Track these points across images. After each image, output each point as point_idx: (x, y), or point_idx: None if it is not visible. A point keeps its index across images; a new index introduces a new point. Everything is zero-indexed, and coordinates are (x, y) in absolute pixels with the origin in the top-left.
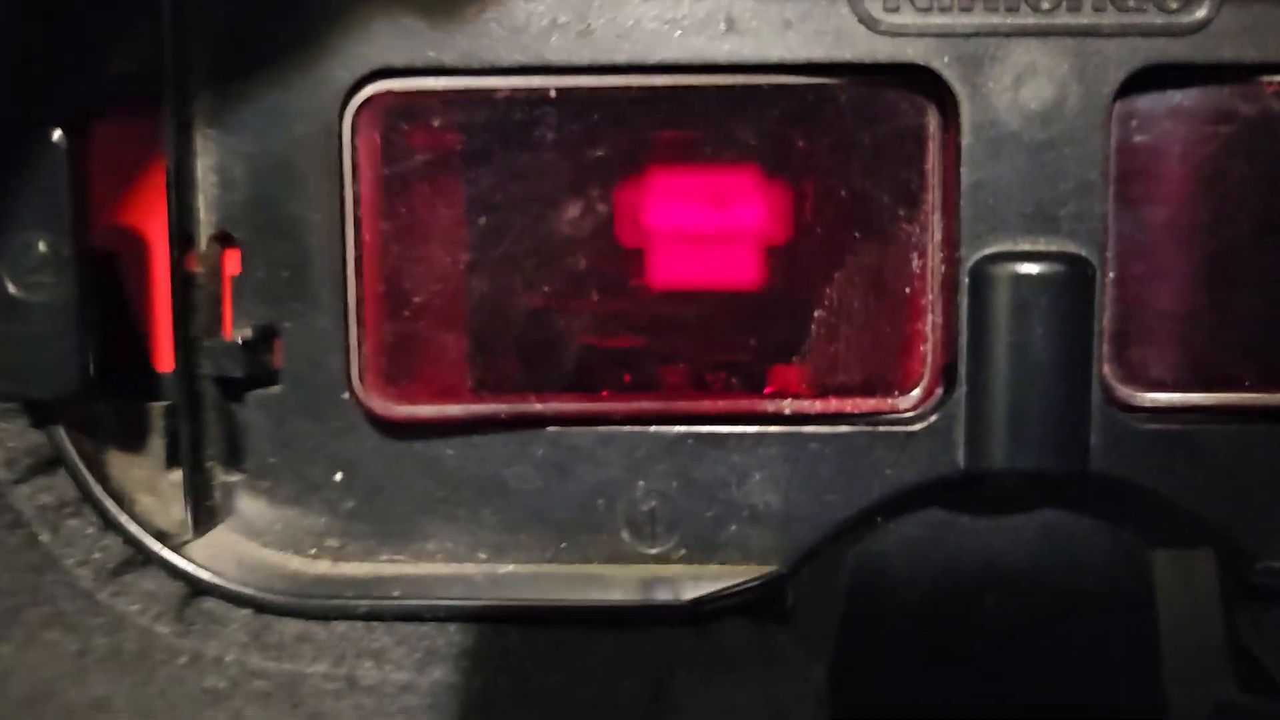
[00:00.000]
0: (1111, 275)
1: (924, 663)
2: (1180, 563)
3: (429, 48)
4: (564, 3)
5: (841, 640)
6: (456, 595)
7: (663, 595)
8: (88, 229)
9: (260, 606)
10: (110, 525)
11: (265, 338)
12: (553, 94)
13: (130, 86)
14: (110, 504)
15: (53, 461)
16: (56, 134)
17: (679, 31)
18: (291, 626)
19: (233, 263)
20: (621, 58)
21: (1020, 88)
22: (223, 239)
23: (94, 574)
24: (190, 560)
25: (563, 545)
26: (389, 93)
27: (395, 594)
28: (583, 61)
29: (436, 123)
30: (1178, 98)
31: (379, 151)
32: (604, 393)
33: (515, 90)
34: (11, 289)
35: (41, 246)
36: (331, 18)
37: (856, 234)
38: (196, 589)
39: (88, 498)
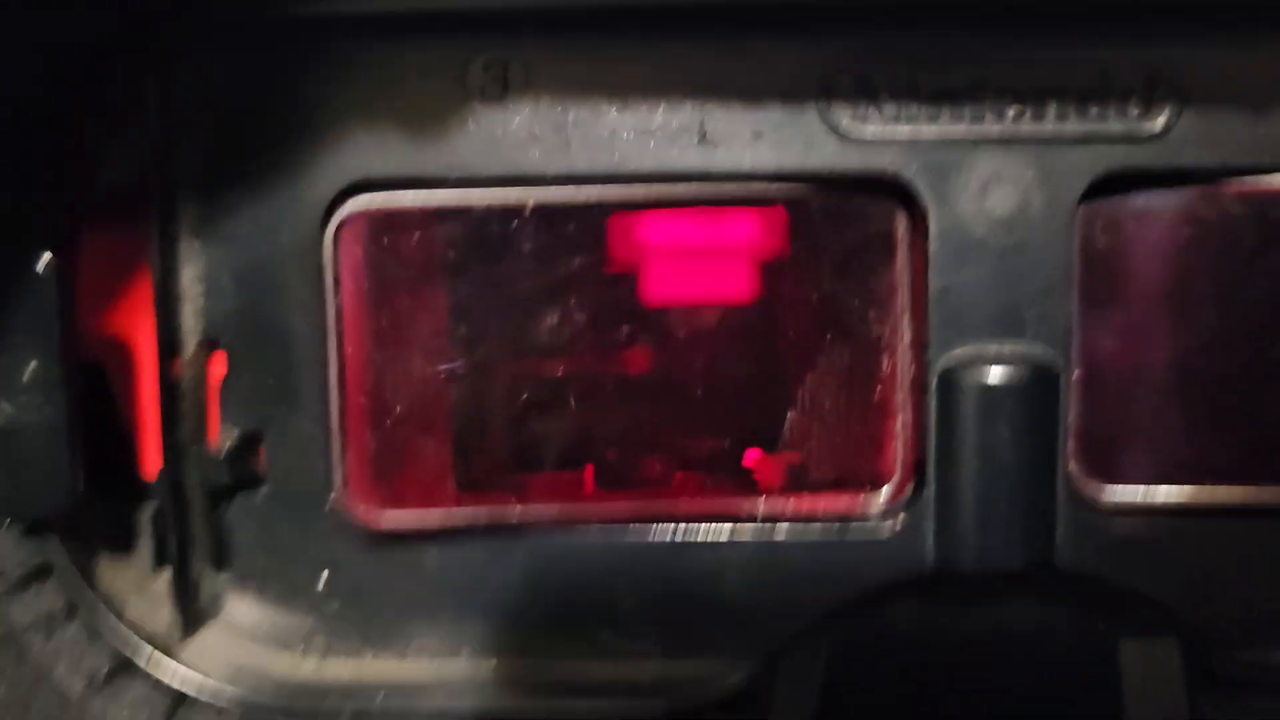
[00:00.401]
0: (1077, 374)
1: None
2: (1145, 652)
3: (409, 160)
4: (542, 116)
5: None
6: (439, 699)
7: (640, 698)
8: (76, 344)
9: (248, 711)
10: (100, 633)
11: (250, 443)
12: (530, 205)
13: (117, 198)
14: (101, 610)
15: (44, 570)
16: (45, 258)
17: (653, 142)
18: None
19: (219, 368)
20: (598, 168)
21: (986, 195)
22: (209, 346)
23: (84, 683)
24: (180, 664)
25: (544, 644)
26: (369, 206)
27: (379, 698)
28: (560, 172)
29: (416, 235)
30: (1140, 202)
31: (361, 264)
32: (585, 491)
33: (493, 202)
34: (3, 410)
35: (32, 367)
36: (313, 132)
37: (829, 336)
38: (184, 698)
39: (78, 605)
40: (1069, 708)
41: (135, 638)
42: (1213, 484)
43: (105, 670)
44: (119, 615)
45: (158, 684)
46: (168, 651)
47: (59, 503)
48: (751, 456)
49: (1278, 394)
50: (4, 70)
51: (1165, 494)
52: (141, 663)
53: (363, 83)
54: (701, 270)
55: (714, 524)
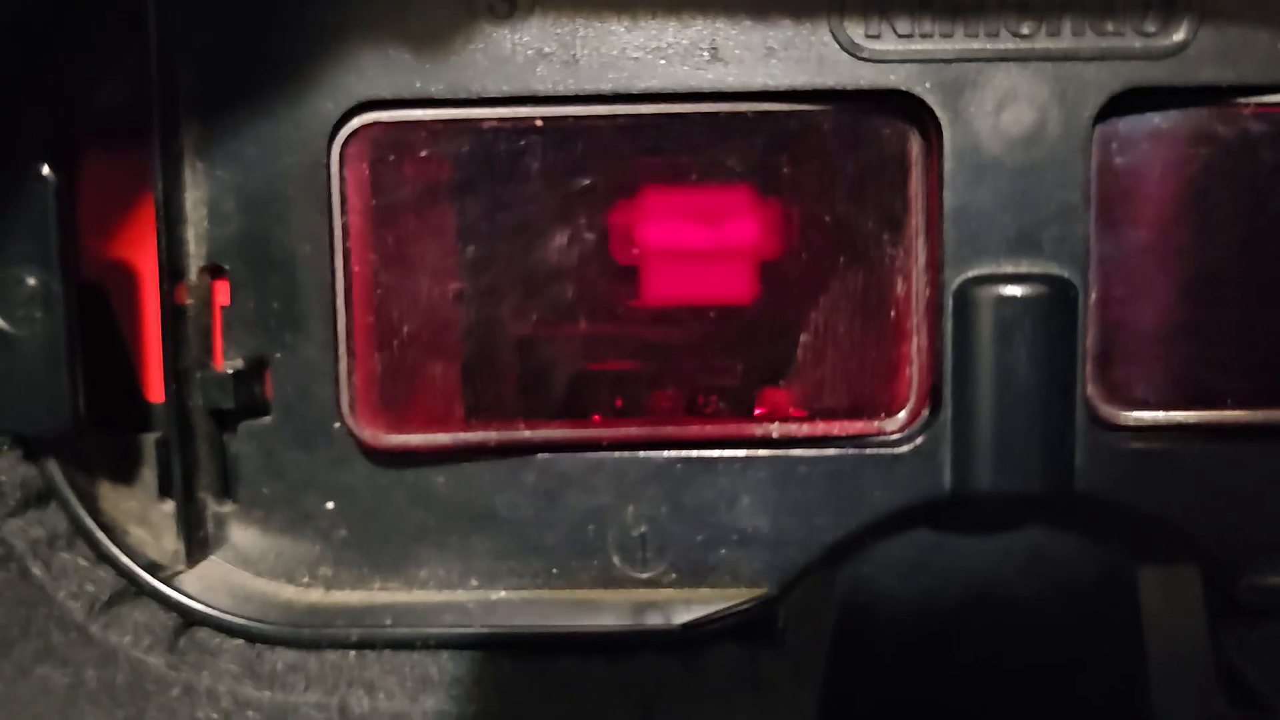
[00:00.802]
0: (1094, 296)
1: (913, 685)
2: (1166, 580)
3: (415, 79)
4: (549, 33)
5: (831, 665)
6: (448, 624)
7: (653, 620)
8: (77, 263)
9: (252, 637)
10: (102, 558)
11: (256, 368)
12: (539, 123)
13: (118, 119)
14: (102, 536)
15: (44, 495)
16: (44, 169)
17: (663, 60)
18: (284, 656)
19: (223, 294)
20: (607, 87)
21: (1001, 112)
22: (212, 271)
23: (86, 607)
24: (182, 592)
25: (554, 571)
26: (376, 124)
27: (387, 623)
28: (568, 91)
29: (424, 154)
30: (1157, 120)
31: (367, 183)
32: (594, 418)
33: (501, 120)
34: (1, 324)
35: (31, 281)
36: (318, 50)
37: (842, 258)
38: (189, 620)
39: (80, 530)
40: (1088, 638)
41: (137, 565)
42: (1234, 408)
43: (107, 596)
44: (121, 542)
45: (160, 609)
46: (171, 578)
47: (58, 421)
48: (766, 384)
49: None
50: None
51: (1185, 418)
52: (145, 588)
53: (368, 1)
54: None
55: (728, 448)
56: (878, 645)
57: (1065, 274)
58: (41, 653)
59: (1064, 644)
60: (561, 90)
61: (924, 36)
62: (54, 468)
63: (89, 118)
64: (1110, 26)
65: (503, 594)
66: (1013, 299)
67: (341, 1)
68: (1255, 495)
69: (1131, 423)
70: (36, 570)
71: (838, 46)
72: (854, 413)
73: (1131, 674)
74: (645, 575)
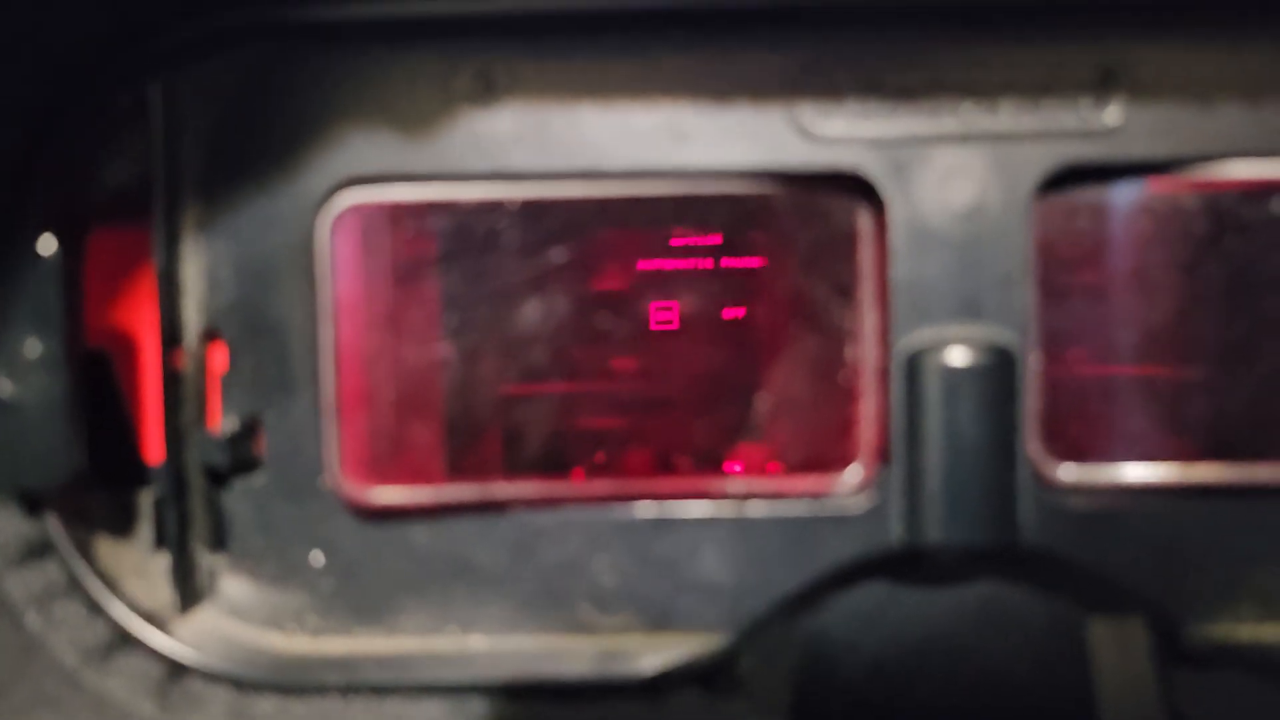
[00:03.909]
0: (1035, 360)
1: None
2: (1114, 632)
3: (398, 158)
4: (525, 117)
5: (792, 711)
6: (426, 671)
7: (619, 667)
8: (81, 330)
9: (240, 684)
10: (98, 608)
11: (249, 429)
12: (515, 199)
13: (122, 196)
14: (98, 587)
15: (43, 548)
16: (50, 243)
17: (631, 141)
18: (270, 703)
19: (219, 359)
20: (578, 165)
21: (944, 188)
22: (209, 337)
23: (80, 656)
24: (175, 640)
25: (528, 618)
26: (361, 200)
27: (369, 670)
28: (542, 169)
29: (406, 227)
30: (1094, 195)
31: (353, 254)
32: (568, 475)
33: (480, 197)
34: (6, 386)
35: (36, 347)
36: (308, 132)
37: (799, 326)
38: (179, 669)
39: (76, 582)
40: (1040, 687)
41: (132, 614)
42: (1173, 463)
43: (101, 644)
44: (116, 593)
45: (153, 658)
46: (163, 627)
47: (57, 477)
48: (730, 444)
49: (1233, 375)
50: (13, 72)
51: (1126, 474)
52: (137, 638)
53: (356, 86)
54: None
55: (691, 503)
56: (837, 693)
57: (1006, 339)
58: (35, 700)
59: (1017, 694)
60: (536, 168)
61: (871, 118)
62: (54, 522)
63: (95, 194)
64: (1046, 107)
65: (479, 641)
66: (956, 365)
67: (330, 87)
68: (1196, 548)
69: (1073, 480)
70: (33, 620)
71: (793, 128)
72: (810, 469)
73: None
74: (614, 621)
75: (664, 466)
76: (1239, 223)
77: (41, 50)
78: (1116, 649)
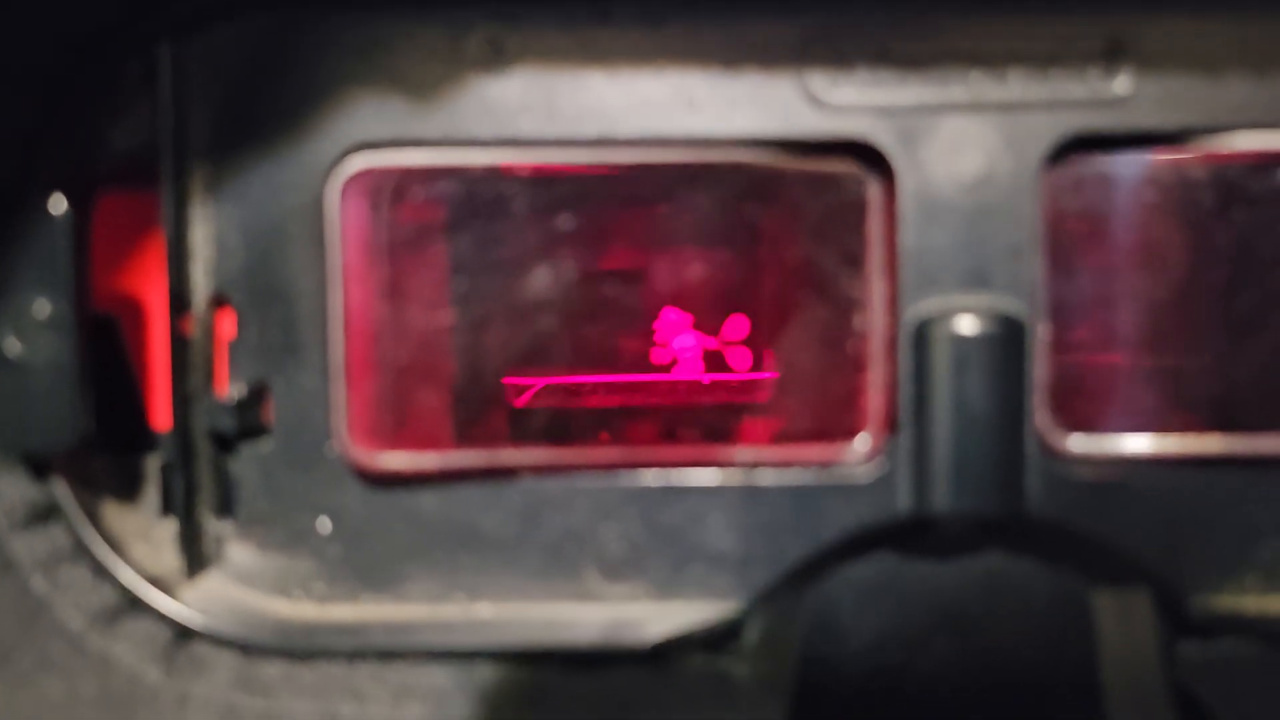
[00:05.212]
0: (1044, 330)
1: (879, 700)
2: (1119, 603)
3: (408, 124)
4: (534, 84)
5: (799, 679)
6: (433, 637)
7: (626, 635)
8: (89, 293)
9: (247, 649)
10: (104, 572)
11: (257, 395)
12: (524, 166)
13: (131, 160)
14: (105, 551)
15: (50, 512)
16: (60, 202)
17: (640, 109)
18: (276, 667)
19: (227, 325)
20: (587, 133)
21: (953, 158)
22: (218, 303)
23: (86, 619)
24: (181, 605)
25: (535, 586)
26: (370, 166)
27: (376, 636)
28: (551, 137)
29: (416, 193)
30: (1103, 164)
31: (362, 220)
32: (575, 444)
33: (488, 163)
34: (14, 347)
35: (44, 308)
36: (317, 97)
37: (807, 295)
38: (186, 633)
39: (83, 546)
40: (1045, 658)
41: (138, 578)
42: (1180, 434)
43: (108, 608)
44: (122, 558)
45: (158, 622)
46: (170, 592)
47: (65, 440)
48: (739, 413)
49: (1241, 346)
50: (22, 35)
51: (1133, 444)
52: (143, 602)
53: (365, 52)
54: None
55: (699, 470)
56: (844, 661)
57: (1016, 309)
58: (40, 663)
59: (1021, 665)
60: (545, 135)
61: (880, 86)
62: (61, 486)
63: (104, 158)
64: (1055, 77)
65: (486, 608)
66: (965, 334)
67: (340, 52)
68: (1202, 520)
69: (1081, 450)
70: (39, 583)
71: (802, 96)
72: (818, 439)
73: (1087, 695)
74: (621, 590)
75: (672, 438)
76: (1247, 194)
77: (51, 14)
78: (1121, 620)
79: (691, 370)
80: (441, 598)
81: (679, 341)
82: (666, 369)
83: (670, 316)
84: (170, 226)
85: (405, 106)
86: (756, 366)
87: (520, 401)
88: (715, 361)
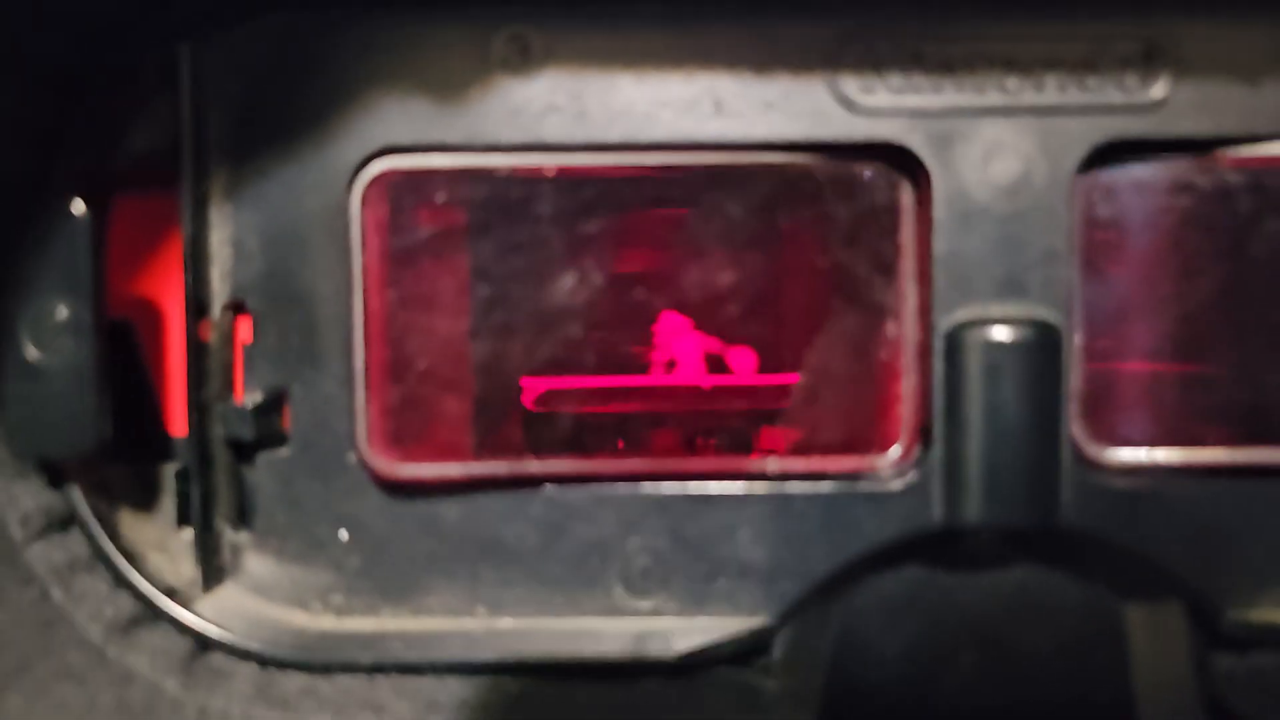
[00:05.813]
0: (1079, 338)
1: (906, 717)
2: (1152, 615)
3: (432, 127)
4: (560, 86)
5: (827, 693)
6: (454, 650)
7: (653, 648)
8: (106, 298)
9: (266, 661)
10: (121, 582)
11: (275, 402)
12: (549, 171)
13: (150, 162)
14: (122, 562)
15: (67, 520)
16: (79, 205)
17: (668, 112)
18: (296, 680)
19: (245, 330)
20: (614, 137)
21: (988, 163)
22: (236, 308)
23: (104, 630)
24: (199, 617)
25: (558, 600)
26: (394, 169)
27: (396, 648)
28: (577, 141)
29: (440, 198)
30: (1139, 170)
31: (385, 225)
32: (599, 454)
33: (514, 168)
34: (32, 352)
35: (62, 312)
36: (341, 99)
37: (838, 302)
38: (204, 645)
39: (100, 556)
40: (1077, 672)
41: (155, 589)
42: (1215, 447)
43: (125, 619)
44: (140, 568)
45: (176, 634)
46: (187, 604)
47: (82, 446)
48: (766, 422)
49: (1277, 356)
50: (42, 34)
51: (1167, 456)
52: (161, 613)
53: (390, 52)
54: None
55: (727, 481)
56: (872, 675)
57: (1050, 317)
58: (59, 673)
59: (1053, 678)
60: (572, 139)
61: (915, 91)
62: (77, 494)
63: (123, 160)
64: (1092, 82)
65: (508, 621)
66: (999, 341)
67: (364, 53)
68: (1236, 532)
69: (1115, 461)
70: (56, 593)
71: (834, 100)
72: (848, 449)
73: (1120, 709)
74: (647, 604)
75: (699, 449)
76: None
77: (71, 12)
78: (1154, 633)
79: (718, 378)
80: (463, 610)
81: (704, 348)
82: (693, 376)
83: (691, 323)
84: (189, 229)
85: (431, 109)
86: (785, 374)
87: (541, 408)
88: (742, 369)
